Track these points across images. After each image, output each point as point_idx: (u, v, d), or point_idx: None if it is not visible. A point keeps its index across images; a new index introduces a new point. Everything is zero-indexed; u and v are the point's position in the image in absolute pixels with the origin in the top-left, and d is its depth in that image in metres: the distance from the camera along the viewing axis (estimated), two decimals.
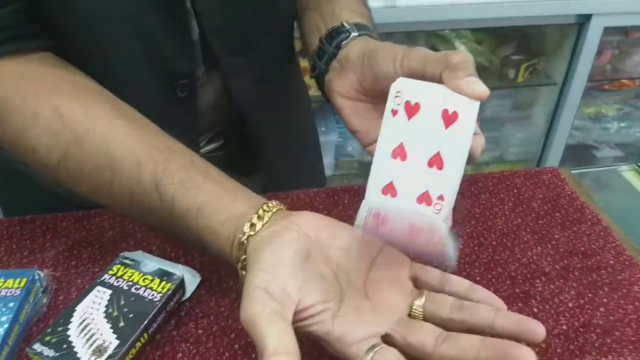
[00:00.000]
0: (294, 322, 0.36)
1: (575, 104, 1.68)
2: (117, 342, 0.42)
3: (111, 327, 0.43)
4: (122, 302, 0.45)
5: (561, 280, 0.50)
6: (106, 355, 0.41)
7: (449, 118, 0.41)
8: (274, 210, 0.42)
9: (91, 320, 0.44)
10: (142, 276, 0.47)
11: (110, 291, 0.46)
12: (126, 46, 0.52)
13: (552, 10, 1.47)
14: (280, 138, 0.69)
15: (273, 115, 0.67)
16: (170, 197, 0.43)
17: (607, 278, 0.51)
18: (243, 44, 0.58)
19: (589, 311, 0.47)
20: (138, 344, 0.43)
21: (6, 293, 0.46)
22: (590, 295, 0.49)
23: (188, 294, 0.48)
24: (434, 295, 0.40)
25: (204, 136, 0.66)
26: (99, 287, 0.46)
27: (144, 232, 0.55)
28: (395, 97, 0.43)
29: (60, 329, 0.43)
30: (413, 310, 0.40)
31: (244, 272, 0.40)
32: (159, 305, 0.45)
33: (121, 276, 0.47)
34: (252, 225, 0.40)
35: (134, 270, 0.48)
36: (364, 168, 1.82)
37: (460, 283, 0.41)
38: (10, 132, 0.46)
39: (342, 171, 1.89)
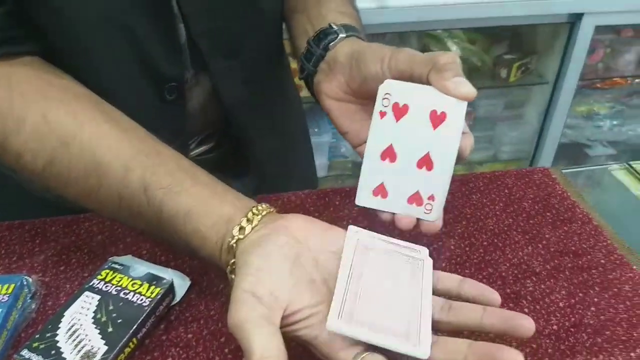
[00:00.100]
0: (282, 326, 0.36)
1: (567, 103, 1.69)
2: (106, 347, 0.42)
3: (99, 333, 0.43)
4: (111, 307, 0.45)
5: (552, 280, 0.50)
6: None
7: (437, 119, 0.41)
8: (264, 213, 0.41)
9: (80, 326, 0.43)
10: (131, 281, 0.47)
11: (98, 296, 0.46)
12: (113, 50, 0.52)
13: (544, 10, 1.48)
14: (271, 139, 0.69)
15: (263, 117, 0.66)
16: (158, 201, 0.42)
17: (598, 277, 0.51)
18: (231, 46, 0.58)
19: (580, 311, 0.47)
20: (127, 349, 0.43)
21: None
22: (581, 294, 0.49)
23: (178, 298, 0.48)
24: None
25: (194, 139, 0.66)
26: (87, 293, 0.46)
27: (134, 236, 0.55)
28: (384, 99, 0.43)
29: (48, 334, 0.43)
30: None
31: (233, 276, 0.39)
32: (148, 310, 0.44)
33: (110, 281, 0.47)
34: (242, 228, 0.40)
35: (122, 275, 0.48)
36: (358, 169, 1.81)
37: (449, 279, 0.41)
38: None
39: (336, 172, 1.89)
